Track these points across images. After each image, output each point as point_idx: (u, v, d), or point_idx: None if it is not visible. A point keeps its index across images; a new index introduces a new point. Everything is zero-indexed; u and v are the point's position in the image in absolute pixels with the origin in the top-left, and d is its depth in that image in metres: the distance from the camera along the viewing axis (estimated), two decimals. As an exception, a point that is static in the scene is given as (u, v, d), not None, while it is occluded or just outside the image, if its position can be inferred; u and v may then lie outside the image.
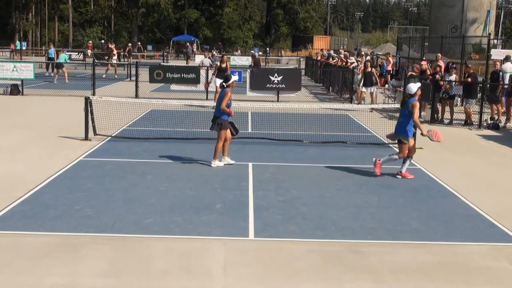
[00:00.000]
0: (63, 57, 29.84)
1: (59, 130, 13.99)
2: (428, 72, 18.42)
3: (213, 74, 19.87)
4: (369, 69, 19.84)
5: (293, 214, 7.90)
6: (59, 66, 27.90)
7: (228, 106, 10.50)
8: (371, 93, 19.75)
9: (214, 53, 40.05)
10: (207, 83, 19.60)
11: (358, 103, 20.26)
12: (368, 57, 21.21)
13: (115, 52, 35.26)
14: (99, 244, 6.59)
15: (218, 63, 20.15)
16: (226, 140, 10.72)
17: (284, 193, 8.95)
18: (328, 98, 23.96)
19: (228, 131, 10.64)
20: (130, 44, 44.30)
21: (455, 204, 8.69)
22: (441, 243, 6.97)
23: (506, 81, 17.94)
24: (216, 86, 19.39)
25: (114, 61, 33.10)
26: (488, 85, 17.76)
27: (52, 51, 33.42)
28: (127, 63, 33.56)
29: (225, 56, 20.64)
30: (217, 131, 10.55)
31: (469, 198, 8.91)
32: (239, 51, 48.73)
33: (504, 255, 6.64)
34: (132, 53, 42.80)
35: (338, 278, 5.89)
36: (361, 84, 22.37)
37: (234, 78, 10.99)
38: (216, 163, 10.62)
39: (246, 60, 40.39)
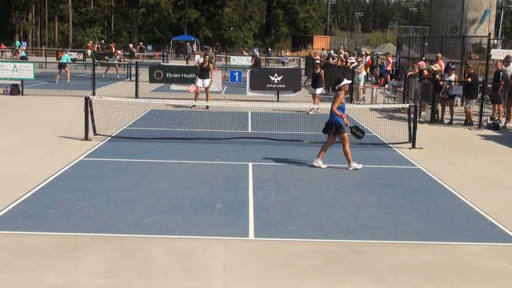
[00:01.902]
0: (65, 57, 29.86)
1: (59, 130, 13.99)
2: (426, 73, 18.43)
3: (198, 76, 19.65)
4: (318, 71, 18.97)
5: (293, 214, 7.90)
6: (62, 66, 27.92)
7: (342, 109, 10.42)
8: (316, 95, 18.82)
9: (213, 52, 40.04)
10: (195, 86, 19.35)
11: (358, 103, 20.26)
12: (318, 61, 20.13)
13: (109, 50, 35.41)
14: (99, 244, 6.59)
15: (200, 62, 20.10)
16: (328, 143, 10.70)
17: (284, 193, 8.95)
18: (328, 98, 23.93)
19: (346, 135, 10.47)
20: (131, 45, 44.29)
21: (455, 204, 8.69)
22: (441, 243, 6.97)
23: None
24: (198, 87, 19.27)
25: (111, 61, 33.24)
26: (489, 85, 17.76)
27: (24, 53, 33.89)
28: (127, 63, 33.59)
29: (207, 56, 20.62)
30: (329, 135, 10.53)
31: (469, 198, 8.91)
32: (246, 52, 48.20)
33: (504, 255, 6.64)
34: (135, 53, 42.75)
35: (338, 278, 5.89)
36: (361, 83, 22.40)
37: (347, 81, 10.82)
38: (354, 165, 10.56)
39: (246, 60, 40.38)
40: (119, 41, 67.22)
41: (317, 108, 17.70)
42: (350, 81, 12.40)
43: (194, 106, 18.44)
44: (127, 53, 40.70)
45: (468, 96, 17.11)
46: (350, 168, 10.57)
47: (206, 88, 19.24)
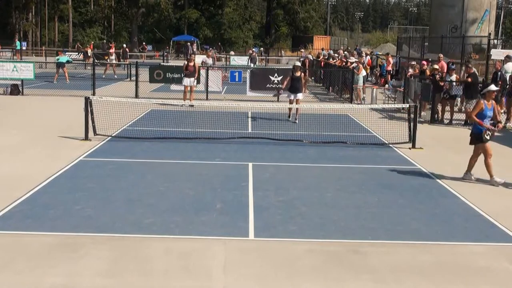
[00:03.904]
0: (64, 57, 29.84)
1: (59, 130, 13.99)
2: (428, 72, 18.44)
3: (184, 75, 19.68)
4: (298, 74, 16.75)
5: (293, 214, 7.90)
6: (60, 65, 27.90)
7: (484, 116, 9.75)
8: (298, 100, 16.58)
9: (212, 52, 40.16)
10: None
11: (359, 103, 20.22)
12: (297, 63, 17.66)
13: (112, 50, 35.34)
14: (99, 244, 6.59)
15: (186, 62, 20.24)
16: (478, 155, 9.91)
17: (284, 193, 8.95)
18: (328, 98, 23.97)
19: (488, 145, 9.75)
20: (124, 45, 44.31)
21: (455, 204, 8.69)
22: (441, 243, 6.97)
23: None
24: (185, 86, 19.46)
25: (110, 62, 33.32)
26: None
27: None
28: (125, 63, 33.61)
29: (192, 55, 20.87)
30: (474, 145, 9.87)
31: (469, 198, 8.91)
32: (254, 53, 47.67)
33: (504, 255, 6.64)
34: (129, 54, 42.61)
35: (338, 278, 5.89)
36: (360, 83, 22.30)
37: (494, 87, 10.15)
38: (496, 180, 9.77)
39: (248, 60, 40.42)
40: (119, 41, 67.19)
41: (295, 118, 16.33)
42: (497, 88, 11.30)
43: (192, 106, 18.48)
44: (119, 52, 40.75)
45: (468, 96, 17.11)
46: (492, 183, 9.79)
47: (191, 87, 19.49)
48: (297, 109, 16.38)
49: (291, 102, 16.58)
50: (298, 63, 17.67)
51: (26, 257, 6.17)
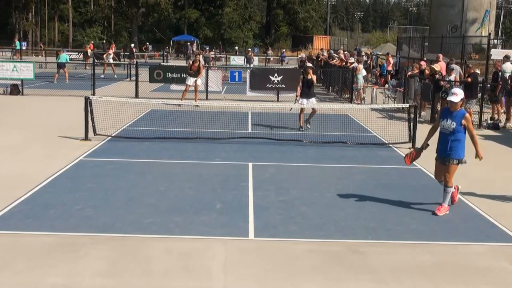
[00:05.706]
0: (63, 57, 29.82)
1: (59, 130, 13.99)
2: (427, 72, 18.44)
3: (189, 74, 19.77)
4: (310, 76, 14.80)
5: (293, 214, 7.90)
6: (60, 66, 27.90)
7: None
8: (314, 109, 15.02)
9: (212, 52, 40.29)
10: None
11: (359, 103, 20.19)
12: (309, 64, 15.46)
13: (110, 52, 35.34)
14: (99, 244, 6.59)
15: (191, 62, 20.30)
16: None
17: (284, 193, 8.95)
18: (328, 98, 23.97)
19: None
20: (132, 44, 44.38)
21: (455, 204, 8.68)
22: (441, 243, 6.97)
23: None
24: (187, 84, 19.49)
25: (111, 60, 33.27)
26: (489, 85, 17.80)
27: None
28: (127, 63, 33.61)
29: (198, 55, 20.97)
30: None
31: (469, 199, 8.91)
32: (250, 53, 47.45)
33: (504, 255, 6.63)
34: (135, 53, 42.69)
35: (338, 278, 5.89)
36: (360, 83, 22.25)
37: None
38: None
39: (244, 60, 40.48)
40: (119, 41, 67.17)
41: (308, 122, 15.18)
42: None
43: (197, 105, 18.53)
44: (126, 53, 40.72)
45: (468, 96, 17.09)
46: None
47: (195, 87, 19.48)
48: (312, 111, 15.09)
49: (302, 109, 14.98)
50: (310, 64, 16.03)
51: (26, 257, 6.16)
